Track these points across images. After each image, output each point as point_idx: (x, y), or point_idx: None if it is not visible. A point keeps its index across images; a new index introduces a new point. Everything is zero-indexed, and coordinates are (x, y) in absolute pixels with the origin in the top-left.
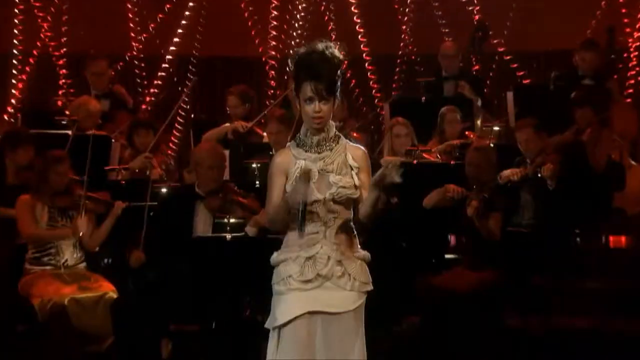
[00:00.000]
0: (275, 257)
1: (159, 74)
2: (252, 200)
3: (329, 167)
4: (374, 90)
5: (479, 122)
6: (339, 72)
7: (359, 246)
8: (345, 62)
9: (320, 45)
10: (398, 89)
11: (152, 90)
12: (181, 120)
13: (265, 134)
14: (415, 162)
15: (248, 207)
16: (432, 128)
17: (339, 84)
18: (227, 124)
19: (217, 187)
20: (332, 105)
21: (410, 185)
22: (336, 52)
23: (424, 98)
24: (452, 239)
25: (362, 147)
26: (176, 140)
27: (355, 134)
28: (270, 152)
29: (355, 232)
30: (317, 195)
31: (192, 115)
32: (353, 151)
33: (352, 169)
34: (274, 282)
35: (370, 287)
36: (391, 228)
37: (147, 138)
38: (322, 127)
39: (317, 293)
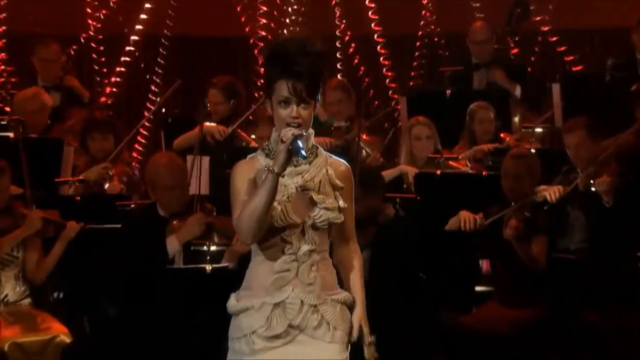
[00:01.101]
0: (233, 304)
1: (122, 59)
2: (227, 220)
3: (309, 184)
4: (387, 80)
5: (516, 119)
6: (321, 69)
7: (337, 286)
8: (327, 56)
9: (299, 36)
10: (417, 78)
11: (112, 79)
12: (146, 124)
13: (252, 137)
14: (438, 172)
15: (222, 230)
16: (459, 129)
17: (322, 81)
18: (207, 123)
19: (182, 208)
20: (312, 110)
21: (431, 203)
22: (318, 45)
23: (449, 91)
24: (484, 264)
25: (345, 163)
26: (143, 141)
27: (365, 136)
28: None
29: (334, 268)
30: (295, 218)
31: (164, 110)
32: (336, 167)
33: (334, 189)
34: (233, 336)
35: (354, 338)
36: (408, 256)
37: (104, 143)
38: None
39: (289, 350)
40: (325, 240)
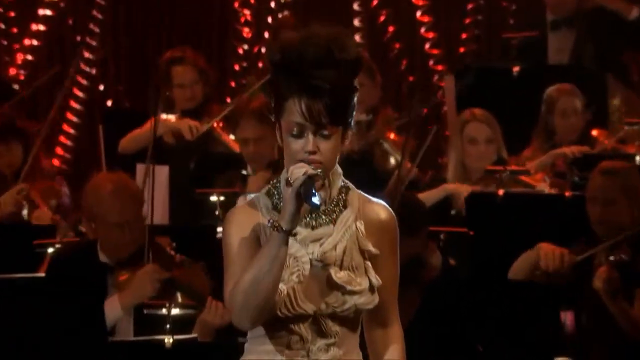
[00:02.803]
0: None
1: (41, 12)
2: (196, 272)
3: (329, 255)
4: (427, 44)
5: (616, 102)
6: (354, 83)
7: None
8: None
9: (322, 32)
10: (470, 43)
11: (26, 42)
12: (78, 106)
13: (232, 137)
14: (501, 192)
15: (188, 287)
16: (530, 125)
17: (354, 102)
18: (167, 117)
19: (134, 253)
20: (339, 142)
21: (490, 239)
22: (351, 48)
23: (517, 68)
24: (568, 318)
25: (385, 206)
26: (69, 143)
27: (393, 135)
28: (244, 172)
29: None
30: (306, 307)
31: (102, 90)
32: (372, 216)
33: (366, 257)
34: None
35: None
36: (458, 319)
37: (14, 154)
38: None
39: None
40: (352, 330)
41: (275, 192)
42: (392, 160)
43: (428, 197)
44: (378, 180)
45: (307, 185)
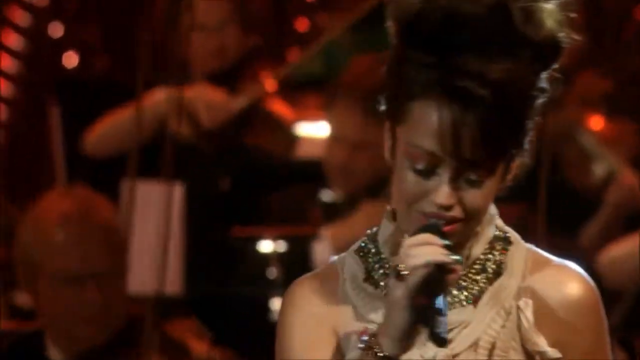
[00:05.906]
0: None
1: None
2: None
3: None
4: None
5: None
6: (539, 81)
7: None
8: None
9: None
10: None
11: None
12: (12, 66)
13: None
14: None
15: None
16: None
17: (531, 120)
18: (178, 90)
19: (112, 342)
20: (496, 185)
21: None
22: (548, 11)
23: None
24: None
25: (578, 272)
26: None
27: (600, 121)
28: (324, 200)
29: None
30: None
31: (57, 39)
32: (546, 291)
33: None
34: None
35: None
36: None
37: None
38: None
39: None
40: None
41: (373, 249)
42: (599, 169)
43: None
44: (572, 201)
45: (434, 284)
